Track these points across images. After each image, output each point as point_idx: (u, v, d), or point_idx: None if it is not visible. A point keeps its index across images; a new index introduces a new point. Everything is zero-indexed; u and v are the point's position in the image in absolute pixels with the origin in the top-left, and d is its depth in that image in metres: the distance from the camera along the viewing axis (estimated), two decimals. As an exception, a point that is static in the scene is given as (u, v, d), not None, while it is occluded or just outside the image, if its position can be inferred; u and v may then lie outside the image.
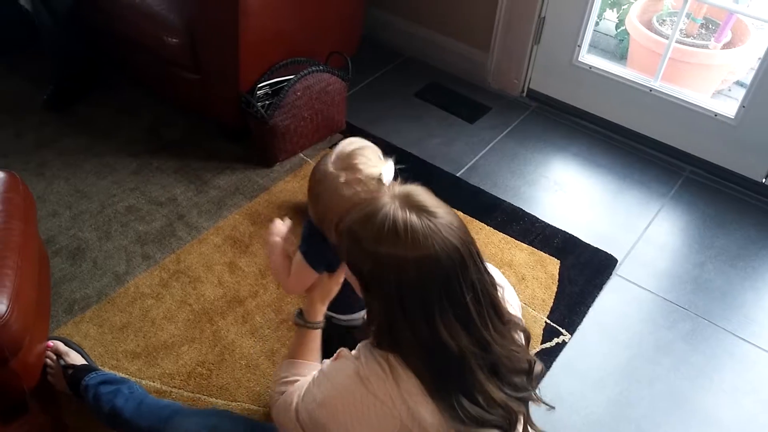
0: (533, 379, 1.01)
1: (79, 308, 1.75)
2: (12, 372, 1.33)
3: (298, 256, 1.26)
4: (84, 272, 1.85)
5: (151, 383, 1.61)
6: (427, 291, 0.89)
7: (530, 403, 1.03)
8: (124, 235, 1.96)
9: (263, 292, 1.84)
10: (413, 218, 0.89)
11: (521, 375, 0.99)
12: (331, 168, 1.15)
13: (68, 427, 1.53)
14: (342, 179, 1.13)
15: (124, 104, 2.45)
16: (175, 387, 1.61)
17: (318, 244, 1.23)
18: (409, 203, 0.91)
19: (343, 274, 1.23)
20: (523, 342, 1.03)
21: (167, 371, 1.64)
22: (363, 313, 1.37)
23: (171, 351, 1.69)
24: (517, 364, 0.98)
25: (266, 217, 2.06)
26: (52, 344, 1.56)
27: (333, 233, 1.06)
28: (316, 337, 1.25)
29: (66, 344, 1.59)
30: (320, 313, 1.27)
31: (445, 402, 0.92)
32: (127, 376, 1.59)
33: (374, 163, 1.16)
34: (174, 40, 2.09)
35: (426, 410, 0.92)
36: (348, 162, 1.14)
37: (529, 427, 1.03)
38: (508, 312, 1.00)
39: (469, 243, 0.92)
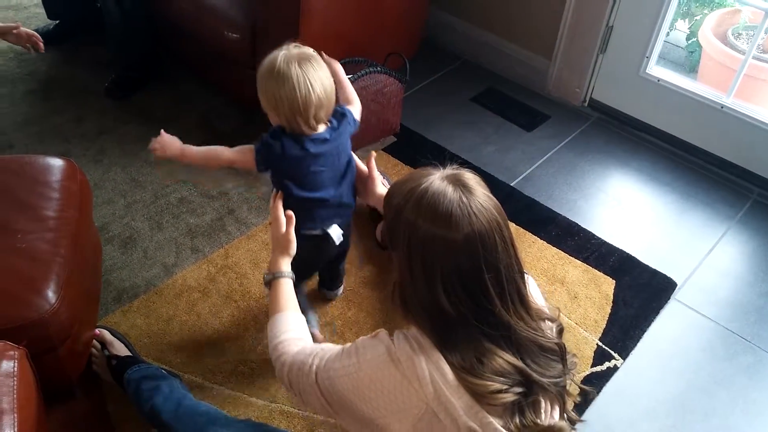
0: (566, 364, 1.01)
1: (127, 297, 1.77)
2: (59, 359, 1.34)
3: (246, 146, 1.42)
4: (134, 262, 1.87)
5: (193, 378, 1.61)
6: (431, 260, 0.93)
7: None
8: (175, 226, 1.98)
9: (309, 294, 1.83)
10: (448, 190, 0.93)
11: (552, 361, 0.99)
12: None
13: (110, 415, 1.54)
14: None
15: (181, 95, 2.47)
16: (216, 383, 1.61)
17: (278, 151, 1.36)
18: (452, 178, 0.96)
19: (292, 228, 1.31)
20: (554, 333, 1.03)
21: (209, 367, 1.64)
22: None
23: (214, 347, 1.69)
24: (544, 346, 0.98)
25: (315, 217, 2.04)
26: (98, 332, 1.58)
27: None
28: (285, 285, 1.27)
29: (112, 334, 1.60)
30: (283, 263, 1.29)
31: (454, 359, 0.94)
32: (170, 369, 1.59)
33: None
34: (234, 35, 2.09)
35: (453, 393, 0.92)
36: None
37: (566, 415, 1.03)
38: (535, 302, 1.01)
39: (500, 226, 0.94)
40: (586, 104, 2.53)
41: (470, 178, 0.97)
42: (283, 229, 1.30)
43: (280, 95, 1.32)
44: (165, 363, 1.63)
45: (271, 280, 1.28)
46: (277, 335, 1.18)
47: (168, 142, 1.46)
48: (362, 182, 1.51)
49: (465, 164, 2.08)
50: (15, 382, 0.92)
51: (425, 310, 0.95)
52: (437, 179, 0.95)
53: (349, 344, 1.06)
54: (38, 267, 1.32)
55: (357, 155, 2.23)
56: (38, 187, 1.48)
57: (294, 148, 1.37)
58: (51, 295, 1.28)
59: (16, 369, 0.94)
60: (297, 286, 1.48)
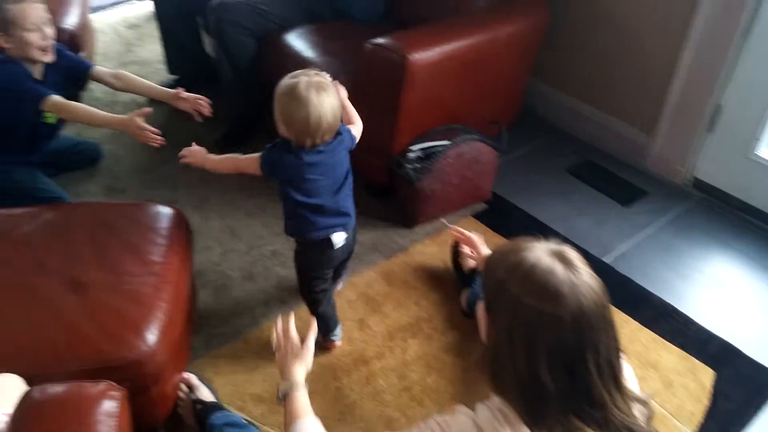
0: None
1: (216, 343, 1.83)
2: (150, 400, 1.39)
3: (254, 155, 1.61)
4: (225, 309, 1.93)
5: (271, 430, 1.62)
6: (535, 336, 0.91)
7: None
8: (266, 278, 2.04)
9: (390, 354, 1.82)
10: (557, 267, 0.92)
11: None
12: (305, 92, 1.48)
13: (190, 459, 1.57)
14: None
15: (282, 151, 2.57)
16: (292, 438, 1.61)
17: (277, 161, 1.56)
18: (559, 255, 0.95)
19: (311, 337, 1.35)
20: (644, 418, 1.00)
21: (287, 421, 1.65)
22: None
23: (294, 401, 1.70)
24: None
25: (401, 279, 2.05)
26: (186, 376, 1.63)
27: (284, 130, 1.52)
28: (303, 396, 1.27)
29: (199, 378, 1.65)
30: (299, 374, 1.30)
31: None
32: (250, 419, 1.61)
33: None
34: (338, 98, 2.18)
35: None
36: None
37: None
38: (629, 387, 0.99)
39: (605, 308, 0.94)
40: (688, 183, 2.44)
41: (575, 256, 0.96)
42: (298, 342, 1.34)
43: (296, 116, 1.48)
44: (246, 412, 1.66)
45: (287, 392, 1.27)
46: None
47: (195, 150, 1.72)
48: (471, 251, 1.78)
49: (556, 235, 2.04)
50: (115, 422, 0.96)
51: (519, 384, 0.94)
52: (544, 255, 0.94)
53: (423, 422, 1.06)
54: (141, 309, 1.39)
55: (446, 220, 2.25)
56: (148, 233, 1.57)
57: (290, 157, 1.55)
58: (150, 337, 1.34)
59: (117, 410, 0.98)
60: (324, 291, 1.74)
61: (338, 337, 1.83)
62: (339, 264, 1.80)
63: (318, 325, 1.72)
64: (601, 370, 0.92)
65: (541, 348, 0.91)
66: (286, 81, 1.52)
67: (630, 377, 1.06)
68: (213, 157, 1.73)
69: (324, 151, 1.56)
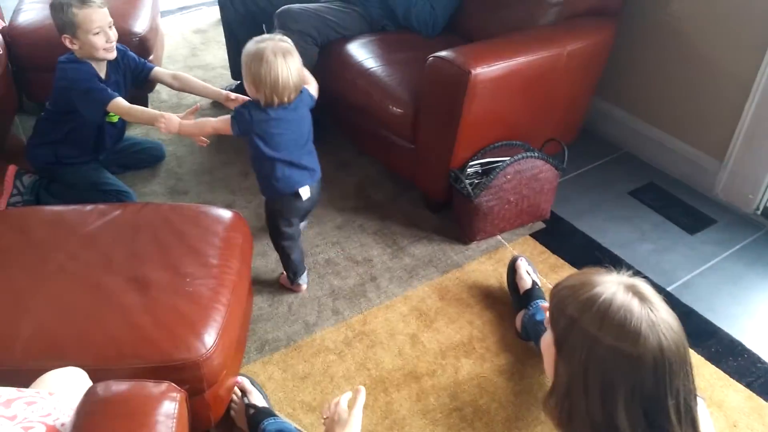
0: None
1: (269, 349, 1.83)
2: (204, 402, 1.40)
3: (226, 117, 1.76)
4: (279, 315, 1.94)
5: (319, 441, 1.62)
6: (613, 377, 0.88)
7: None
8: (319, 286, 2.04)
9: (441, 372, 1.79)
10: (634, 304, 0.88)
11: None
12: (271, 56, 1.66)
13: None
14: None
15: (340, 162, 2.58)
16: (340, 451, 1.60)
17: (247, 118, 1.72)
18: (634, 290, 0.91)
19: (359, 404, 1.24)
20: None
21: (336, 432, 1.64)
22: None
23: (343, 413, 1.68)
24: None
25: (455, 295, 2.02)
26: (240, 381, 1.63)
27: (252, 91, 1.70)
28: None
29: (251, 383, 1.65)
30: None
31: None
32: (301, 429, 1.61)
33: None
34: (398, 110, 2.18)
35: None
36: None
37: None
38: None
39: (686, 349, 0.91)
40: (759, 212, 2.34)
41: (650, 290, 0.92)
42: (346, 410, 1.25)
43: (266, 79, 1.66)
44: (295, 420, 1.65)
45: None
46: None
47: (170, 119, 1.88)
48: None
49: (617, 261, 1.98)
50: (174, 424, 0.97)
51: (593, 428, 0.90)
52: (618, 290, 0.90)
53: None
54: (200, 311, 1.40)
55: (503, 238, 2.20)
56: (209, 236, 1.59)
57: (258, 113, 1.72)
58: (208, 339, 1.35)
59: (176, 411, 0.99)
60: (292, 238, 1.92)
61: (305, 281, 2.01)
62: (304, 213, 2.01)
63: (286, 268, 1.98)
64: (680, 415, 0.88)
65: (620, 390, 0.87)
66: (254, 47, 1.69)
67: (705, 419, 1.00)
68: (187, 122, 1.90)
69: (288, 108, 1.74)
